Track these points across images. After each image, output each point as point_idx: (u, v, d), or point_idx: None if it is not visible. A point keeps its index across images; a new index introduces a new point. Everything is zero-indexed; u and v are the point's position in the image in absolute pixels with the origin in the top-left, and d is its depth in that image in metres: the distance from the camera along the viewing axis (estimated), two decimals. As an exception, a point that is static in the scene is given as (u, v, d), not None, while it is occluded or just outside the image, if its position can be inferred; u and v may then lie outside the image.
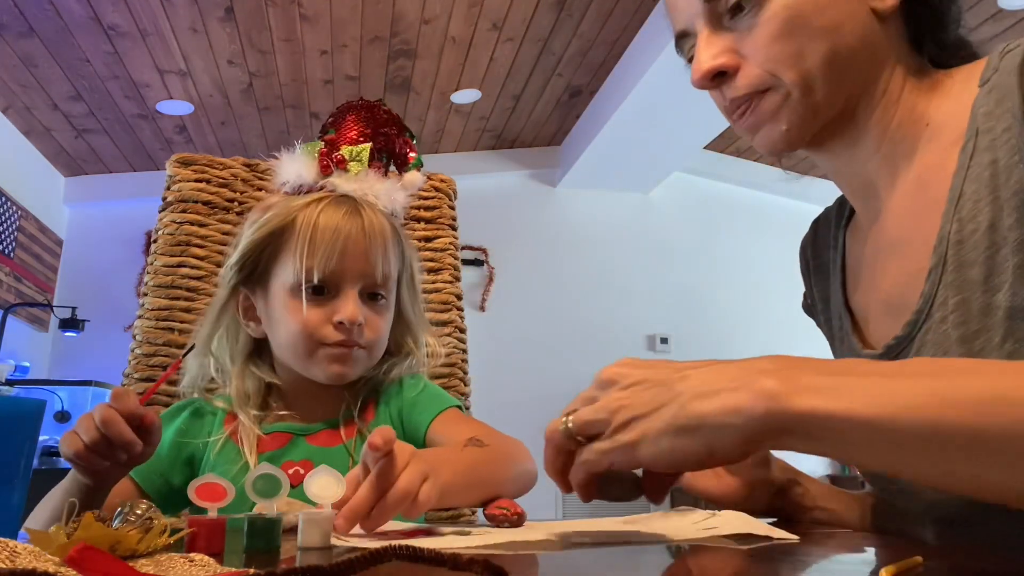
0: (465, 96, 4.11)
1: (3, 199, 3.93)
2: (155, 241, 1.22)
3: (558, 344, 4.48)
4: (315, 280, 0.89)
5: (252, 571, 0.38)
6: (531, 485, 0.85)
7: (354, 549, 0.54)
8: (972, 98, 0.65)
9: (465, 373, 1.26)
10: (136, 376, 1.13)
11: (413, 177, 1.01)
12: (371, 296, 0.94)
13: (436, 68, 3.79)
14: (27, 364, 3.98)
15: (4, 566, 0.36)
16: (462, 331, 1.29)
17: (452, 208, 1.35)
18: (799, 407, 0.46)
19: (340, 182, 0.95)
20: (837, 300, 0.81)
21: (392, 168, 1.00)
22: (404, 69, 3.78)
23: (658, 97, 3.69)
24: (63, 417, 3.27)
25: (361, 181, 0.95)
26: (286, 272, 0.91)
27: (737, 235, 5.01)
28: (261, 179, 1.27)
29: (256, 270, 0.94)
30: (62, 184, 4.63)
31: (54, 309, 4.16)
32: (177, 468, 0.92)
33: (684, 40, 0.74)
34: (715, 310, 4.82)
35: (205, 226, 1.22)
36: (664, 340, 4.71)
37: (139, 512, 0.51)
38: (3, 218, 3.92)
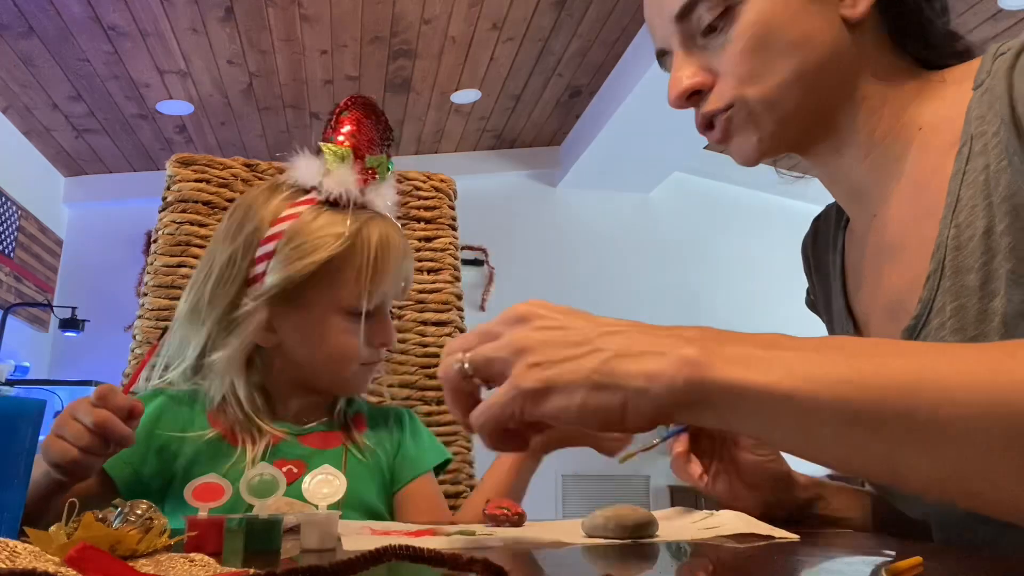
0: (465, 96, 4.11)
1: (3, 199, 3.93)
2: (155, 241, 1.22)
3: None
4: (371, 307, 0.90)
5: (252, 571, 0.38)
6: None
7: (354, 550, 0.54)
8: (967, 101, 0.65)
9: (465, 373, 1.26)
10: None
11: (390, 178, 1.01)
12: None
13: (436, 68, 3.79)
14: (27, 364, 3.99)
15: (4, 566, 0.36)
16: (462, 331, 1.29)
17: (452, 208, 1.35)
18: (719, 377, 0.43)
19: (374, 198, 0.94)
20: (839, 304, 0.81)
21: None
22: (404, 69, 3.78)
23: (658, 97, 3.66)
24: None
25: (386, 195, 0.95)
26: (337, 295, 0.89)
27: (737, 235, 5.01)
28: (261, 179, 1.26)
29: (291, 290, 0.89)
30: (62, 184, 4.63)
31: (54, 309, 4.16)
32: (149, 458, 0.88)
33: (664, 57, 0.76)
34: (715, 310, 4.81)
35: (205, 226, 1.22)
36: (664, 340, 4.71)
37: (139, 512, 0.51)
38: (3, 218, 3.92)
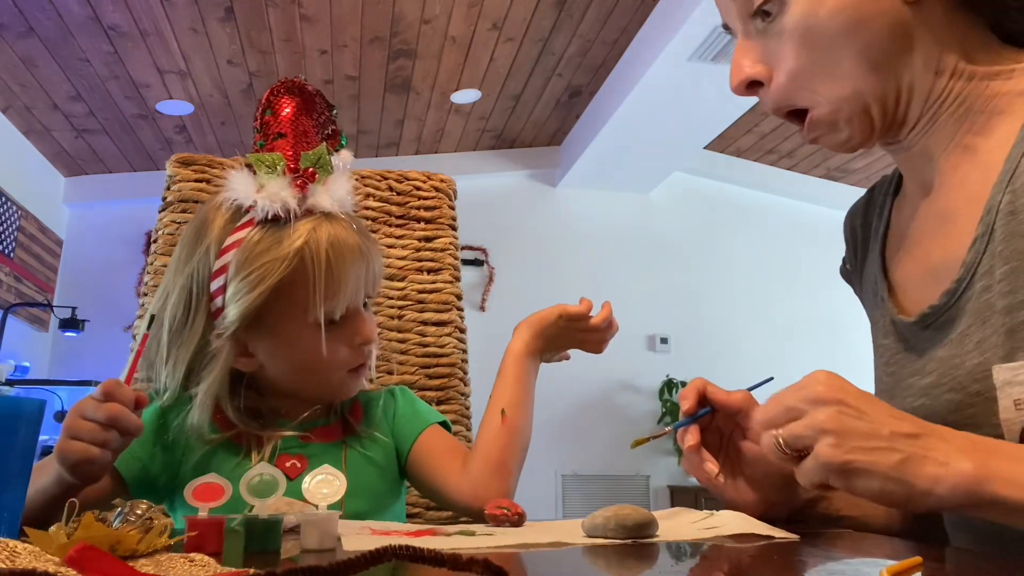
0: (465, 96, 4.11)
1: (3, 199, 3.93)
2: (155, 241, 1.22)
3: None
4: (336, 317, 0.87)
5: (252, 571, 0.38)
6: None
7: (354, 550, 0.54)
8: None
9: (465, 373, 1.26)
10: (136, 376, 1.13)
11: (345, 156, 0.94)
12: (363, 304, 0.93)
13: (436, 68, 3.79)
14: (27, 364, 3.99)
15: (4, 566, 0.36)
16: (462, 331, 1.29)
17: (452, 208, 1.35)
18: (989, 491, 0.53)
19: (320, 200, 0.87)
20: (874, 268, 0.82)
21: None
22: (404, 69, 3.78)
23: (658, 97, 3.69)
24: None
25: (332, 191, 0.89)
26: (298, 311, 0.86)
27: (737, 235, 5.01)
28: (261, 179, 1.26)
29: (253, 318, 0.87)
30: (62, 184, 4.63)
31: (54, 309, 4.16)
32: (157, 456, 0.89)
33: (728, 31, 0.75)
34: (715, 310, 4.81)
35: (205, 226, 1.22)
36: (664, 340, 4.71)
37: (139, 512, 0.51)
38: (3, 218, 3.92)
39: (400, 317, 1.26)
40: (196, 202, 1.23)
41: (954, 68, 0.69)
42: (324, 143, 0.91)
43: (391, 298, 1.26)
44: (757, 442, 0.74)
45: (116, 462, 0.86)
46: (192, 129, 4.19)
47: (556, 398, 3.92)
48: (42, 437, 0.62)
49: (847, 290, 0.94)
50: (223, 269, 0.86)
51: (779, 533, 0.63)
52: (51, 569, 0.36)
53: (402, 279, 1.28)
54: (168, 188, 1.24)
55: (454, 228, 1.34)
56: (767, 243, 4.97)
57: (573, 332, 0.99)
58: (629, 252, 4.83)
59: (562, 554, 0.57)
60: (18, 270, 4.04)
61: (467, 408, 1.24)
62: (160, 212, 1.23)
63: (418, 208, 1.32)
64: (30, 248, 4.18)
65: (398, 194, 1.32)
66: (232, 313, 0.85)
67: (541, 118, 4.47)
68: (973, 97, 0.69)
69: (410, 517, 1.13)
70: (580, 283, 4.98)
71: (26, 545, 0.40)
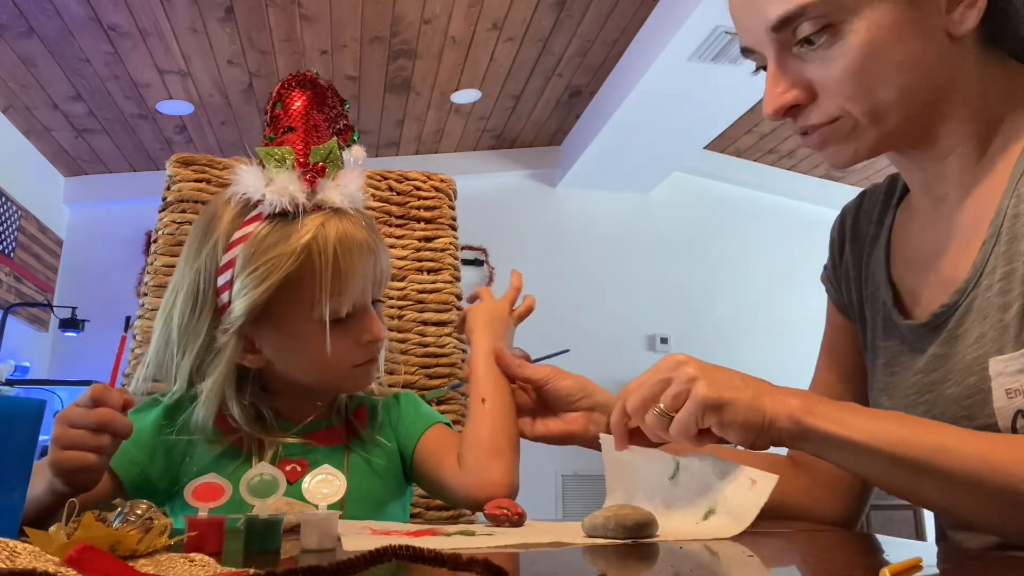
0: (465, 96, 4.11)
1: (3, 199, 3.93)
2: (155, 241, 1.22)
3: (558, 344, 4.47)
4: (342, 314, 0.86)
5: (252, 571, 0.38)
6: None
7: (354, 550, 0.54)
8: None
9: (465, 373, 1.26)
10: (142, 375, 1.13)
11: (356, 152, 0.92)
12: (373, 301, 0.92)
13: (436, 68, 3.79)
14: (27, 364, 3.98)
15: (4, 566, 0.37)
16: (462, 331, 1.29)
17: (452, 208, 1.35)
18: (812, 424, 0.65)
19: (329, 195, 0.86)
20: (880, 275, 0.84)
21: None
22: (404, 69, 3.78)
23: (658, 97, 3.69)
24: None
25: (343, 186, 0.88)
26: (304, 307, 0.84)
27: (737, 235, 5.01)
28: (261, 179, 1.26)
29: (260, 314, 0.86)
30: (62, 184, 4.63)
31: (54, 309, 4.16)
32: (156, 459, 0.88)
33: (750, 55, 0.75)
34: (715, 310, 4.81)
35: (205, 226, 1.22)
36: (664, 340, 4.71)
37: (139, 512, 0.51)
38: (3, 218, 3.92)
39: (400, 317, 1.26)
40: (196, 202, 1.23)
41: (982, 97, 0.71)
42: (335, 138, 0.90)
43: (391, 298, 1.26)
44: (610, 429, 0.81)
45: (114, 466, 0.85)
46: (192, 129, 4.19)
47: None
48: (42, 437, 0.62)
49: (847, 290, 0.94)
50: (230, 264, 0.85)
51: (765, 485, 0.67)
52: (51, 569, 0.36)
53: (402, 279, 1.28)
54: (168, 188, 1.24)
55: (454, 228, 1.34)
56: (767, 243, 4.97)
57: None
58: (629, 252, 4.83)
59: (562, 554, 0.57)
60: (18, 270, 4.04)
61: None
62: (160, 212, 1.23)
63: (418, 208, 1.32)
64: (30, 248, 4.18)
65: (398, 194, 1.32)
66: (238, 308, 0.84)
67: (541, 118, 4.47)
68: (996, 123, 0.71)
69: (411, 517, 1.13)
70: (580, 283, 5.00)
71: (26, 545, 0.40)
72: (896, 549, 0.62)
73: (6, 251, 3.93)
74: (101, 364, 3.92)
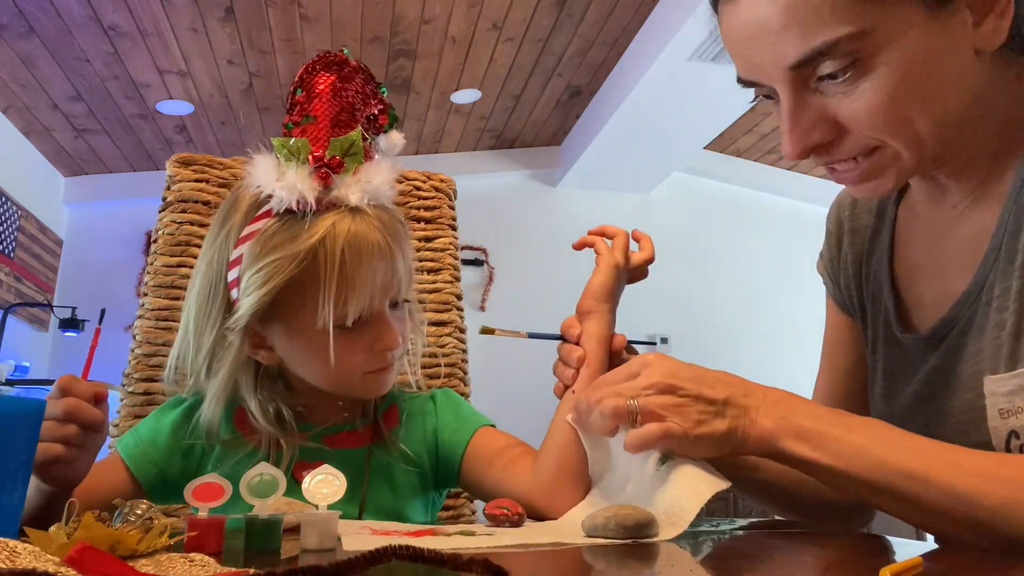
0: (465, 96, 4.11)
1: (3, 199, 3.93)
2: (155, 241, 1.22)
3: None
4: (349, 323, 0.81)
5: (252, 571, 0.38)
6: None
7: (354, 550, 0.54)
8: None
9: (465, 373, 1.26)
10: (136, 376, 1.13)
11: (394, 138, 0.86)
12: (393, 304, 0.87)
13: (436, 68, 3.79)
14: (27, 364, 3.98)
15: (4, 566, 0.36)
16: (462, 331, 1.29)
17: (452, 208, 1.35)
18: (785, 448, 0.65)
19: (344, 193, 0.81)
20: (883, 274, 0.83)
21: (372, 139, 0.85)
22: (404, 69, 3.78)
23: (658, 97, 3.68)
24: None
25: (363, 183, 0.82)
26: (310, 313, 0.80)
27: (737, 235, 5.01)
28: (261, 179, 1.26)
29: (269, 307, 0.82)
30: (62, 184, 4.62)
31: (54, 309, 4.16)
32: (175, 460, 0.88)
33: (752, 87, 0.70)
34: (715, 310, 4.81)
35: (205, 226, 1.22)
36: (664, 340, 4.71)
37: (139, 512, 0.51)
38: (3, 218, 3.92)
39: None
40: (196, 202, 1.23)
41: (1000, 106, 0.69)
42: (360, 127, 0.83)
43: (391, 298, 1.26)
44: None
45: (132, 467, 0.86)
46: (192, 129, 4.19)
47: (556, 398, 3.91)
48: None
49: (847, 290, 0.94)
50: (236, 262, 0.83)
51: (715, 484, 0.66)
52: (51, 569, 0.36)
53: (402, 279, 1.28)
54: (168, 188, 1.24)
55: (454, 228, 1.34)
56: (767, 243, 4.97)
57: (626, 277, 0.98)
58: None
59: (562, 554, 0.57)
60: (18, 270, 4.04)
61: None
62: (160, 212, 1.23)
63: (418, 208, 1.32)
64: (30, 248, 4.18)
65: (398, 194, 1.32)
66: (243, 306, 0.82)
67: (541, 118, 4.47)
68: (1008, 130, 0.70)
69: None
70: (580, 283, 4.97)
71: (26, 545, 0.40)
72: (896, 549, 0.62)
73: (6, 251, 3.93)
74: (101, 364, 3.90)
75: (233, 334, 0.84)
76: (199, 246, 1.20)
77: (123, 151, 4.39)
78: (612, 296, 0.92)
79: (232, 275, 0.84)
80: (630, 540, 0.61)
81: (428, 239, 1.31)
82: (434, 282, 1.29)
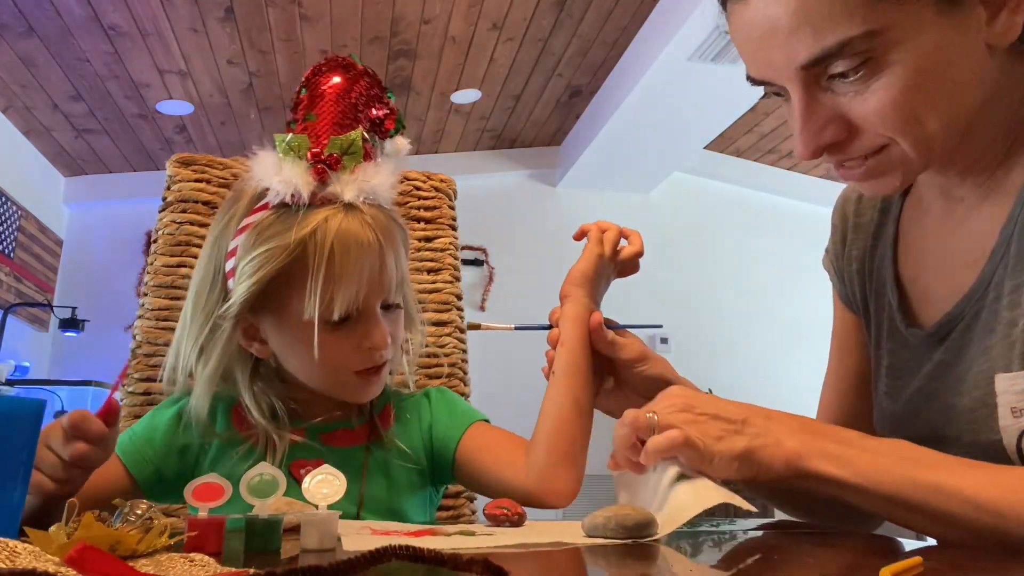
0: (465, 96, 4.11)
1: (3, 199, 3.93)
2: (155, 241, 1.22)
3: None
4: (335, 317, 0.82)
5: (252, 571, 0.38)
6: None
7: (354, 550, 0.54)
8: None
9: (465, 373, 1.26)
10: (136, 376, 1.13)
11: (400, 144, 0.88)
12: (385, 306, 0.87)
13: (436, 68, 3.79)
14: (27, 364, 3.98)
15: (4, 566, 0.36)
16: (462, 331, 1.29)
17: (452, 208, 1.35)
18: (811, 467, 0.62)
19: (340, 189, 0.83)
20: (887, 269, 0.82)
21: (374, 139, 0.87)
22: (404, 69, 3.78)
23: (658, 97, 3.68)
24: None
25: (360, 181, 0.83)
26: (301, 304, 0.81)
27: (737, 235, 5.01)
28: (261, 179, 1.26)
29: (261, 298, 0.84)
30: (62, 184, 4.63)
31: (54, 309, 4.16)
32: (171, 458, 0.88)
33: (762, 86, 0.70)
34: (715, 310, 4.81)
35: (205, 226, 1.22)
36: (664, 340, 4.71)
37: (139, 512, 0.51)
38: (3, 218, 3.92)
39: (400, 317, 1.26)
40: (196, 202, 1.23)
41: (1012, 103, 0.69)
42: (359, 128, 0.84)
43: (391, 298, 1.26)
44: (630, 367, 0.87)
45: (128, 465, 0.87)
46: (192, 129, 4.19)
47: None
48: (42, 437, 0.62)
49: (847, 290, 0.94)
50: (233, 252, 0.85)
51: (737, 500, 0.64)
52: (51, 569, 0.36)
53: (402, 279, 1.28)
54: (168, 188, 1.24)
55: (454, 228, 1.34)
56: (767, 243, 4.97)
57: (611, 268, 0.98)
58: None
59: (562, 554, 0.57)
60: (18, 270, 4.04)
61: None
62: (160, 212, 1.23)
63: (418, 208, 1.32)
64: (30, 248, 4.18)
65: (398, 194, 1.32)
66: (235, 294, 0.83)
67: (541, 118, 4.47)
68: (1018, 126, 0.69)
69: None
70: (580, 283, 4.97)
71: (26, 545, 0.40)
72: (897, 548, 0.62)
73: (6, 251, 3.93)
74: (101, 364, 3.92)
75: (226, 322, 0.85)
76: (199, 246, 1.20)
77: (123, 151, 4.39)
78: (589, 281, 0.94)
79: (229, 265, 0.86)
80: (630, 540, 0.61)
81: (428, 239, 1.31)
82: (434, 282, 1.29)
